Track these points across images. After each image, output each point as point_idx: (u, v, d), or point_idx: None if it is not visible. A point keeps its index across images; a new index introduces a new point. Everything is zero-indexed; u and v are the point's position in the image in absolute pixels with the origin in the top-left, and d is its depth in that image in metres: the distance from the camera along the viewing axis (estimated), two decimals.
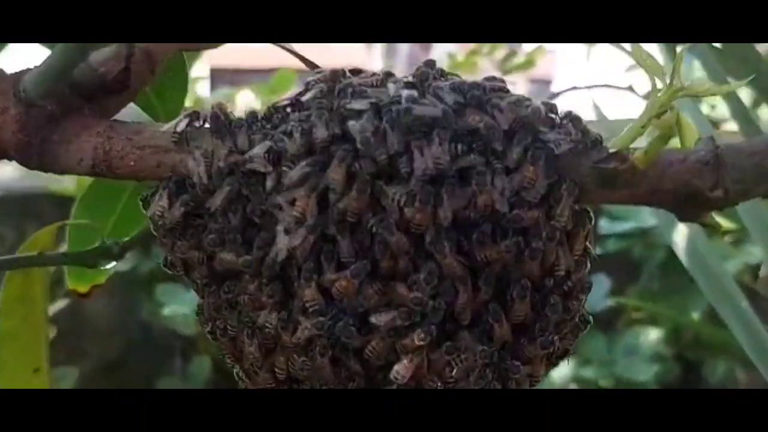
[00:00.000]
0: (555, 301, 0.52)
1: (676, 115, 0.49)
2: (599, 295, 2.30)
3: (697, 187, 0.48)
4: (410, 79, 0.54)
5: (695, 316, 2.30)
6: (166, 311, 2.19)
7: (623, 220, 2.40)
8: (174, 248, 0.55)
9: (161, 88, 0.70)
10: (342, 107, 0.52)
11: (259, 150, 0.52)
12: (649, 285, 2.43)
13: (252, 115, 0.54)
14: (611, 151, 0.50)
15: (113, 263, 0.77)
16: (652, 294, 2.40)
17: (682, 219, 0.50)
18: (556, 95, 3.30)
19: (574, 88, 2.88)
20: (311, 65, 0.77)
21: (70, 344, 2.18)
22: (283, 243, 0.51)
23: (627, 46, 0.56)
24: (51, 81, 0.55)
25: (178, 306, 2.16)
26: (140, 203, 0.57)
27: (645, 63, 0.55)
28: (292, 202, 0.50)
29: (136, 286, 2.24)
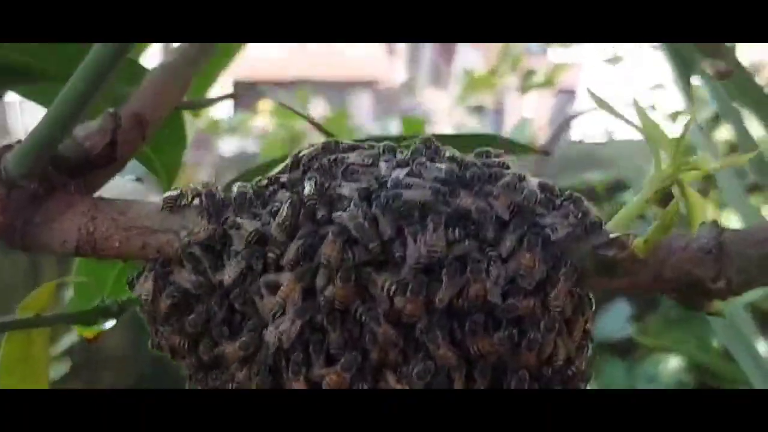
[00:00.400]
0: None
1: (678, 200, 0.47)
2: (619, 322, 2.27)
3: (698, 277, 0.46)
4: (404, 155, 0.53)
5: (715, 343, 2.26)
6: None
7: None
8: (157, 334, 0.54)
9: (159, 143, 0.69)
10: (332, 189, 0.50)
11: (248, 225, 0.50)
12: (669, 312, 2.39)
13: (241, 194, 0.52)
14: (611, 236, 0.48)
15: (113, 322, 0.76)
16: (672, 321, 2.36)
17: (686, 306, 0.48)
18: (573, 117, 3.28)
19: (596, 108, 2.84)
20: (324, 131, 0.76)
21: (85, 378, 2.17)
22: (271, 335, 0.49)
23: (634, 118, 0.53)
24: (34, 159, 0.53)
25: None
26: (126, 286, 0.56)
27: (649, 132, 0.53)
28: (275, 289, 0.49)
29: None
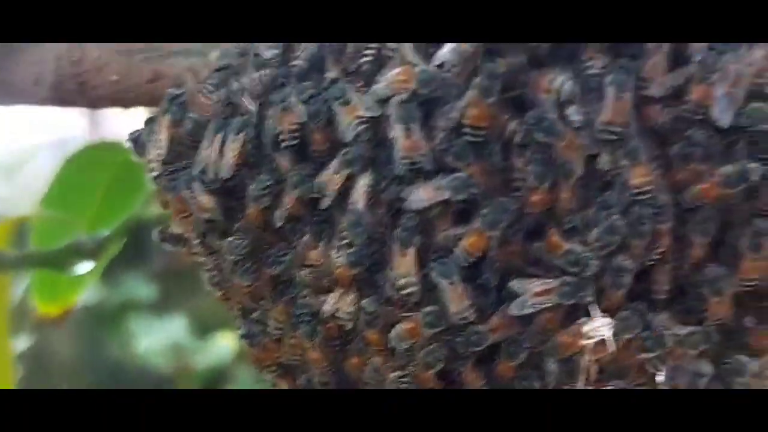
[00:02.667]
0: None
1: None
2: None
3: None
4: None
5: None
6: (140, 346, 1.98)
7: None
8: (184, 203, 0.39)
9: None
10: None
11: None
12: None
13: None
14: None
15: (90, 265, 0.59)
16: None
17: None
18: None
19: None
20: None
21: (37, 386, 1.97)
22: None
23: None
24: None
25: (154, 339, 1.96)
26: (131, 143, 0.40)
27: None
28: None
29: (106, 319, 2.04)
